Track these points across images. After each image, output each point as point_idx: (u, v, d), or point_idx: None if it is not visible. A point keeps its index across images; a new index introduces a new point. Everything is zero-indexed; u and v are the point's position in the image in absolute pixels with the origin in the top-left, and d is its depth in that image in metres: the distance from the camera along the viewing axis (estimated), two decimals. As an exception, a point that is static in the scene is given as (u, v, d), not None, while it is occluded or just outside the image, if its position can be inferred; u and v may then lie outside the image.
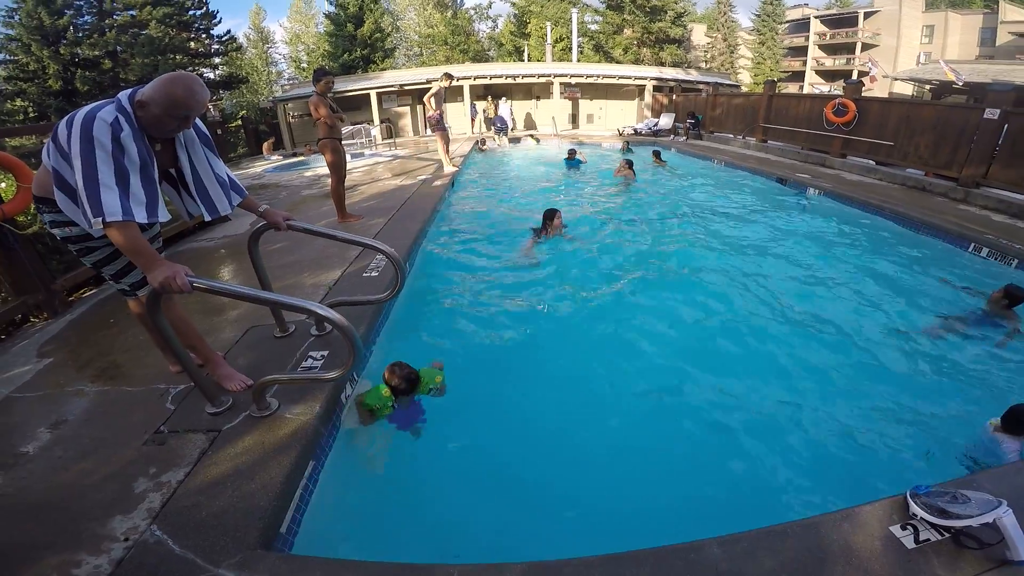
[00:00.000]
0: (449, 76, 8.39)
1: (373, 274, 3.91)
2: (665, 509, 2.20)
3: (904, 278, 4.51)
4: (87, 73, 17.49)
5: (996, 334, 3.43)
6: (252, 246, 2.66)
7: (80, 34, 17.81)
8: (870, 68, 16.09)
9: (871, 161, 8.42)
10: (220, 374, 2.38)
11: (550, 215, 5.34)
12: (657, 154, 10.40)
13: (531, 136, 15.23)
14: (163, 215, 1.89)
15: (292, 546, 1.82)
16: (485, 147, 13.22)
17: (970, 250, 4.91)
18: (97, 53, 18.00)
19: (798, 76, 38.68)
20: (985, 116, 6.23)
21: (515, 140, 14.87)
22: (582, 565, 1.53)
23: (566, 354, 3.39)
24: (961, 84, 15.95)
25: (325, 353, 2.71)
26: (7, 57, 17.65)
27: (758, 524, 1.65)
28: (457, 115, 17.71)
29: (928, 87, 19.66)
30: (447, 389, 2.72)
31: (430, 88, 8.72)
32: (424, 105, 8.57)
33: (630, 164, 8.73)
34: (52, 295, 3.53)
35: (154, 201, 1.84)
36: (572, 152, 10.16)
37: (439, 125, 8.78)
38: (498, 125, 14.88)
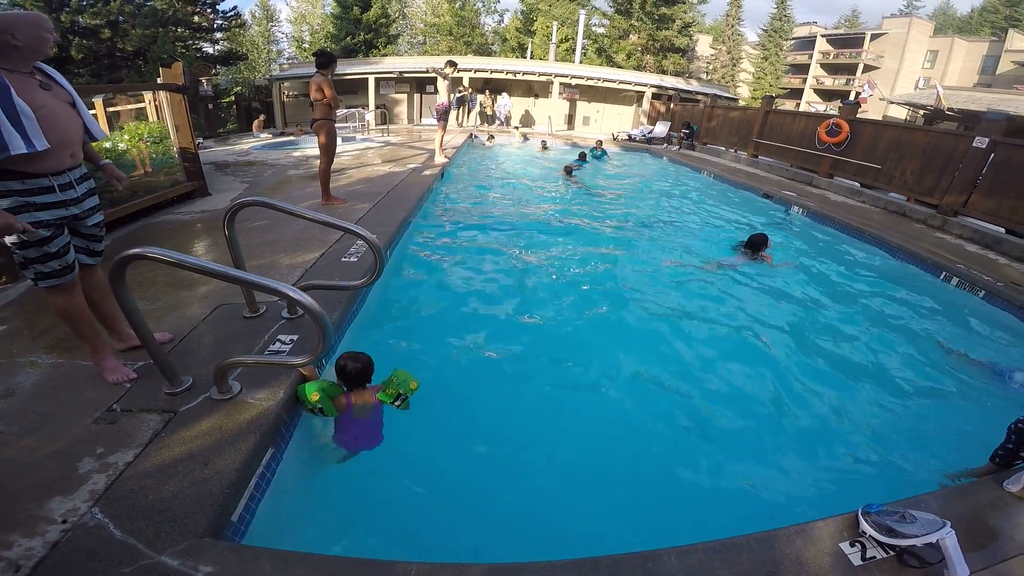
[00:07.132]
0: (453, 64, 8.31)
1: (352, 259, 3.83)
2: (626, 518, 2.18)
3: (872, 302, 4.51)
4: (84, 42, 16.99)
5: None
6: (228, 222, 2.58)
7: (84, 2, 17.26)
8: (864, 90, 16.21)
9: (857, 183, 8.52)
10: (104, 366, 2.24)
11: (763, 241, 5.03)
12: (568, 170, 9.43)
13: (520, 132, 15.29)
14: (40, 144, 1.85)
15: (244, 536, 1.76)
16: (491, 141, 13.30)
17: (941, 278, 4.94)
18: (98, 22, 17.46)
19: (796, 93, 39.16)
20: (974, 144, 6.32)
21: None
22: (543, 569, 1.53)
23: (538, 358, 3.34)
24: (945, 109, 16.17)
25: (294, 337, 2.64)
26: (6, 23, 17.12)
27: (719, 535, 1.65)
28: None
29: (922, 112, 19.92)
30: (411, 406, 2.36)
31: (433, 76, 8.74)
32: (440, 90, 8.47)
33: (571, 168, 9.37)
34: (13, 258, 3.36)
35: (20, 128, 1.78)
36: (583, 155, 11.05)
37: (446, 115, 8.69)
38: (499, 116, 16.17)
